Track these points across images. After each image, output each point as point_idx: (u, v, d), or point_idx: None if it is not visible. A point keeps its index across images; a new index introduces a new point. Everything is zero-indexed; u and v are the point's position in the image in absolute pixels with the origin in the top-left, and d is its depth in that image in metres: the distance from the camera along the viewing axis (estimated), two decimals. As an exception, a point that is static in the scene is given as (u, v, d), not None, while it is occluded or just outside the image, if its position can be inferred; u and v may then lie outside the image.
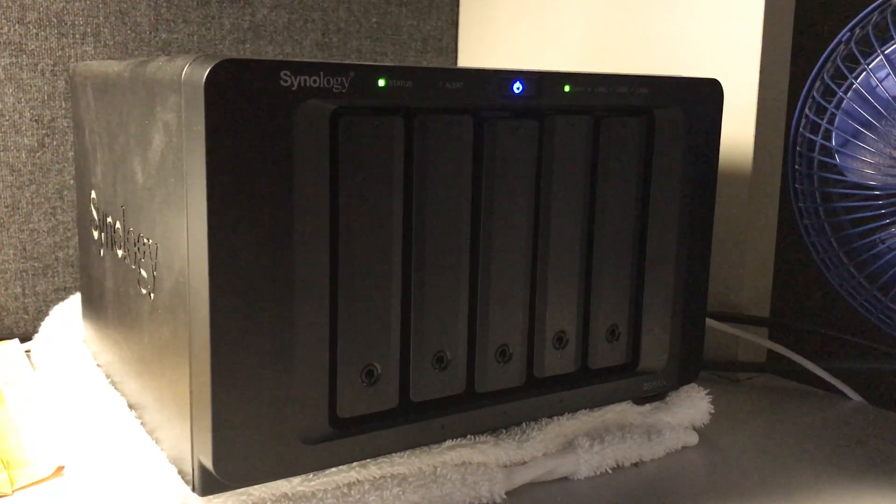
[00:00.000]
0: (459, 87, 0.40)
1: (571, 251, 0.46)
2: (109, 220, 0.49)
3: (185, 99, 0.36)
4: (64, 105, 0.70)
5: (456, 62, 0.89)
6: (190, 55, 0.37)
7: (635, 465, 0.50)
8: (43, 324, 0.65)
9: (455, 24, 0.89)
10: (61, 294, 0.72)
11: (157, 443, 0.43)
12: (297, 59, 0.36)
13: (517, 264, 0.44)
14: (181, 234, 0.38)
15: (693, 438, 0.53)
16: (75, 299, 0.66)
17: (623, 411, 0.51)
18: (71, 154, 0.71)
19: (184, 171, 0.37)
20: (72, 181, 0.71)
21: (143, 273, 0.43)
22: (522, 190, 0.43)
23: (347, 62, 0.37)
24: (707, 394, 0.53)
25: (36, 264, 0.71)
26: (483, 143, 0.42)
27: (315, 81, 0.36)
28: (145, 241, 0.43)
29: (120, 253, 0.48)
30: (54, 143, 0.70)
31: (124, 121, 0.45)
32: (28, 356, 0.64)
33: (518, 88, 0.42)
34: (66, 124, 0.71)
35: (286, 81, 0.36)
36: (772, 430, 0.56)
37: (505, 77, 0.41)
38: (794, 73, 0.63)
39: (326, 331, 0.39)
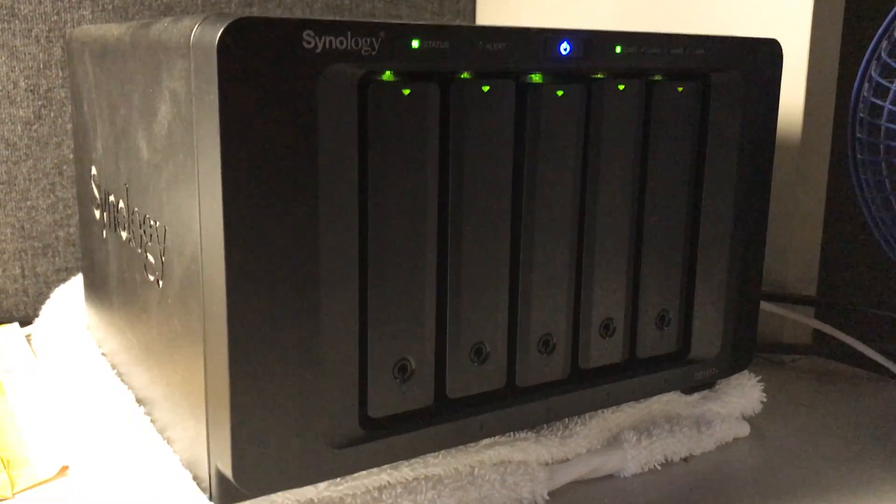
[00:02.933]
0: (501, 48, 0.36)
1: (620, 229, 0.42)
2: (112, 198, 0.45)
3: (195, 64, 0.31)
4: (61, 74, 0.66)
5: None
6: (198, 15, 0.33)
7: (685, 459, 0.46)
8: (44, 307, 0.61)
9: (473, -15, 0.84)
10: (62, 275, 0.68)
11: (168, 443, 0.40)
12: (321, 18, 0.32)
13: (562, 245, 0.40)
14: (192, 217, 0.33)
15: (744, 429, 0.49)
16: (77, 280, 0.63)
17: (670, 402, 0.47)
18: (70, 126, 0.67)
19: (194, 145, 0.32)
20: (71, 155, 0.67)
21: (151, 258, 0.39)
22: (568, 162, 0.39)
23: (377, 21, 0.33)
24: (759, 381, 0.50)
25: (35, 244, 0.67)
26: (526, 110, 0.38)
27: (342, 43, 0.32)
28: (152, 223, 0.39)
29: (124, 235, 0.44)
30: (52, 114, 0.66)
31: (126, 90, 0.40)
32: (29, 341, 0.61)
33: (565, 49, 0.37)
34: (63, 94, 0.66)
35: (309, 43, 0.31)
36: (825, 416, 0.52)
37: (551, 37, 0.37)
38: (846, 33, 0.59)
39: (356, 322, 0.35)
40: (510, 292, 0.39)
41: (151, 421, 0.42)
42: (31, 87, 0.65)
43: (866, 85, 0.48)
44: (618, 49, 0.39)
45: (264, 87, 0.31)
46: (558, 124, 0.38)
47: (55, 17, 0.65)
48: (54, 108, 0.66)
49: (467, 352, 0.38)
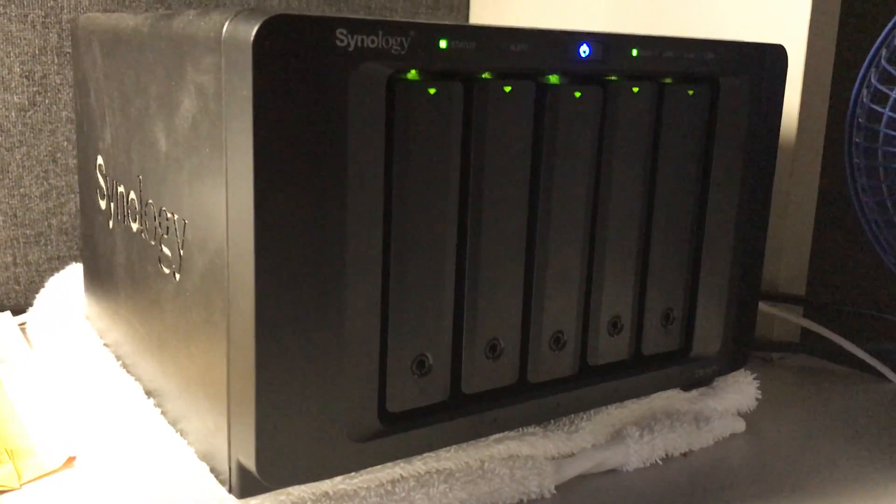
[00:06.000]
0: (524, 49, 0.36)
1: (629, 229, 0.43)
2: (121, 189, 0.45)
3: (227, 60, 0.32)
4: (57, 60, 0.65)
5: (468, 19, 0.85)
6: (227, 9, 0.33)
7: (684, 454, 0.47)
8: (38, 296, 0.61)
9: (467, -20, 0.84)
10: (55, 264, 0.68)
11: (181, 435, 0.40)
12: (352, 16, 0.32)
13: (574, 244, 0.41)
14: (218, 211, 0.34)
15: (740, 425, 0.50)
16: (72, 270, 0.62)
17: (670, 398, 0.48)
18: (65, 114, 0.66)
19: (223, 140, 0.32)
20: (65, 143, 0.66)
21: (166, 250, 0.39)
22: (583, 163, 0.40)
23: (406, 20, 0.33)
24: (754, 378, 0.51)
25: (28, 231, 0.67)
26: (544, 111, 0.38)
27: (373, 42, 0.32)
28: (168, 215, 0.39)
29: (135, 226, 0.43)
30: (46, 101, 0.65)
31: (143, 81, 0.40)
32: (23, 331, 0.60)
33: (585, 52, 0.38)
34: (59, 81, 0.65)
35: (342, 41, 0.32)
36: (815, 414, 0.54)
37: (572, 39, 0.38)
38: (841, 38, 0.60)
39: (377, 318, 0.35)
40: (524, 290, 0.40)
41: (162, 413, 0.42)
42: (26, 73, 0.64)
43: (865, 91, 0.49)
44: (634, 52, 0.40)
45: (297, 84, 0.31)
46: (575, 125, 0.39)
47: (51, 3, 0.64)
48: (49, 94, 0.65)
49: (483, 348, 0.39)
